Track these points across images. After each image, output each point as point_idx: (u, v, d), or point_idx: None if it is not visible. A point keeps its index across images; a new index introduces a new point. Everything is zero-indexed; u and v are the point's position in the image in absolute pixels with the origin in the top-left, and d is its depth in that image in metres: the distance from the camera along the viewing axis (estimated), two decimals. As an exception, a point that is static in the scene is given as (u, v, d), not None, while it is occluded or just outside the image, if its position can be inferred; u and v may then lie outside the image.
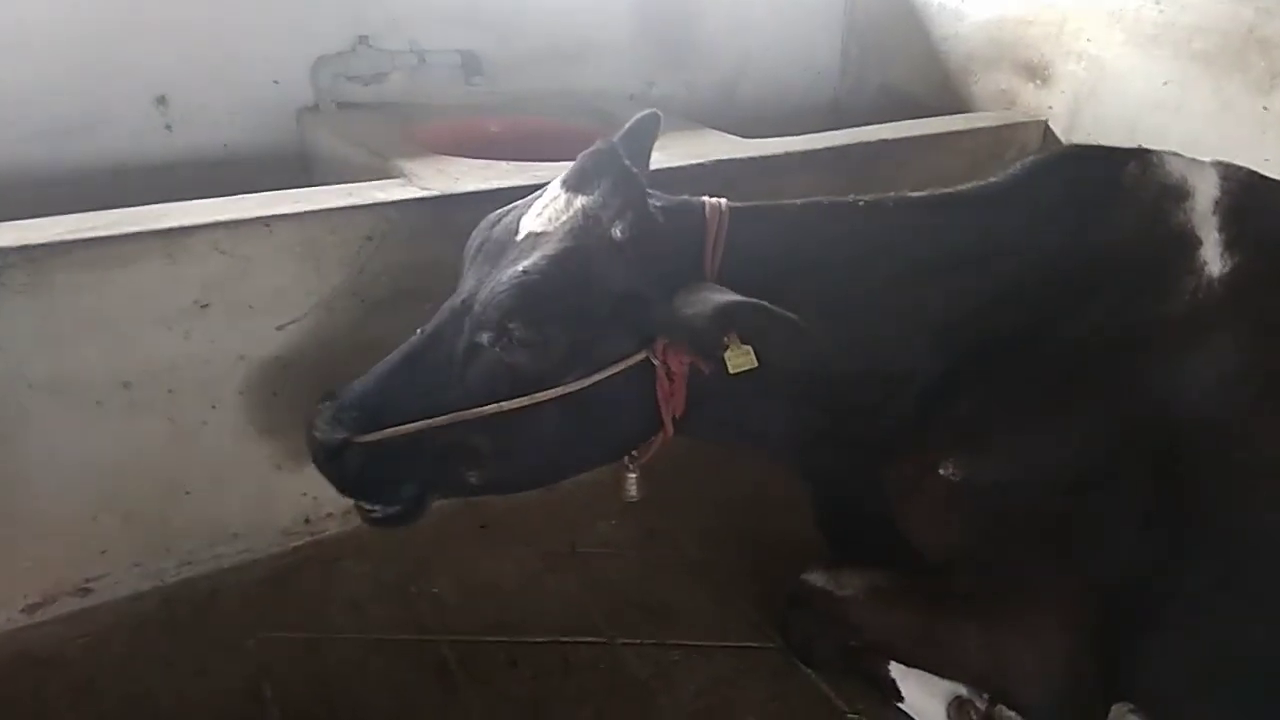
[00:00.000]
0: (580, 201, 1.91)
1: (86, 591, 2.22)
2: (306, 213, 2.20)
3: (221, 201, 2.20)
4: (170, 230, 2.05)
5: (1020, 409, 2.04)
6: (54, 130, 2.87)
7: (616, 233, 1.86)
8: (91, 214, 2.07)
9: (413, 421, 1.84)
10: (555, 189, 1.97)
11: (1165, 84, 3.29)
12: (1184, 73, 3.22)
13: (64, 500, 2.12)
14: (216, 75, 3.06)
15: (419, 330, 1.93)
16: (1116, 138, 3.42)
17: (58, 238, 1.95)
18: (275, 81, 3.16)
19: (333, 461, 1.87)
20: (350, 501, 2.44)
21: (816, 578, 2.18)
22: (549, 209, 1.93)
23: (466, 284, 1.94)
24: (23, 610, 2.15)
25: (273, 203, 2.22)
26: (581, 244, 1.85)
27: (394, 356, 1.91)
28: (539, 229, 1.90)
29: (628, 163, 1.94)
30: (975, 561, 2.02)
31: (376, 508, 1.99)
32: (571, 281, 1.82)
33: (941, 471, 2.05)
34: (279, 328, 2.24)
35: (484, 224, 2.03)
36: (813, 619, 2.18)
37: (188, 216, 2.10)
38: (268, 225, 2.16)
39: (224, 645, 2.17)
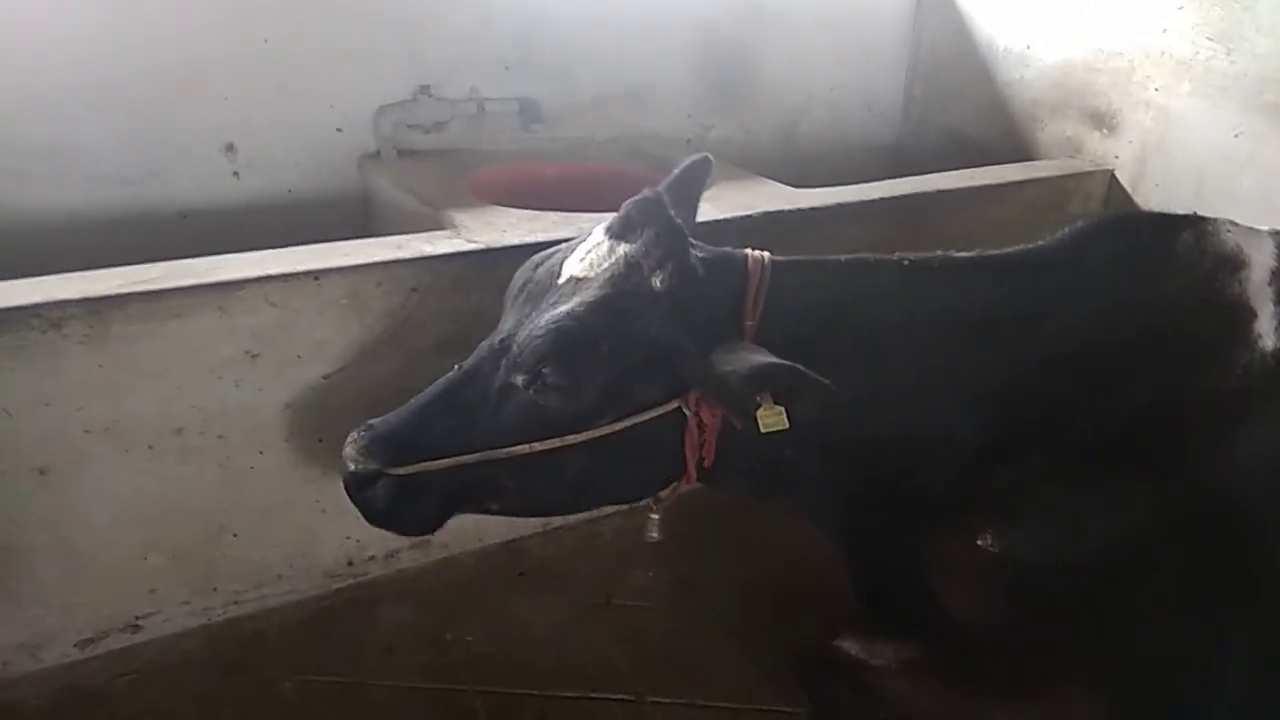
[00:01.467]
0: (623, 249, 1.92)
1: (136, 628, 2.30)
2: (354, 266, 2.27)
3: (273, 254, 2.28)
4: (223, 284, 2.13)
5: (1063, 481, 1.98)
6: (126, 177, 3.02)
7: (657, 283, 1.87)
8: (148, 265, 2.16)
9: (445, 457, 1.86)
10: (599, 235, 1.98)
11: (1235, 136, 3.19)
12: (1254, 125, 3.12)
13: (117, 540, 2.21)
14: (282, 123, 3.18)
15: (456, 366, 1.96)
16: (1185, 189, 3.37)
17: (116, 290, 2.04)
18: (339, 129, 3.26)
19: (363, 491, 1.89)
20: (391, 544, 2.55)
21: (849, 644, 2.15)
22: (592, 255, 1.94)
23: (506, 324, 1.97)
24: (75, 645, 2.25)
25: (322, 256, 2.29)
26: (621, 292, 1.86)
27: (430, 391, 1.93)
28: (581, 274, 1.92)
29: (672, 213, 1.95)
30: (1010, 637, 1.97)
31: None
32: (609, 329, 1.83)
33: (980, 542, 2.01)
34: (325, 377, 2.31)
35: (528, 264, 2.06)
36: (842, 686, 2.15)
37: (240, 270, 2.18)
38: (316, 279, 2.23)
39: (264, 686, 2.24)
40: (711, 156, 2.25)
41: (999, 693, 1.93)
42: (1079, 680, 1.86)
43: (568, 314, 1.83)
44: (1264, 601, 1.76)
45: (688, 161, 2.21)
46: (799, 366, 1.74)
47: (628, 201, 1.99)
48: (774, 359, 1.77)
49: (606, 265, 1.91)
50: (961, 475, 2.08)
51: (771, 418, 1.82)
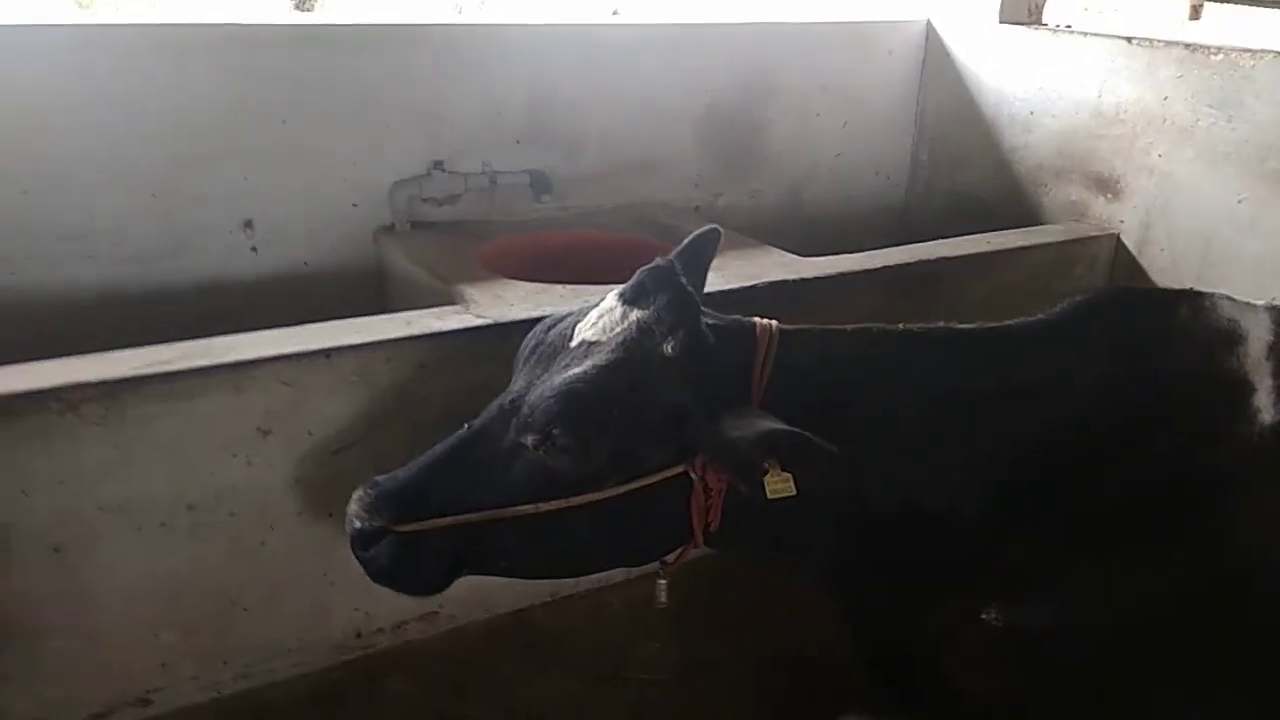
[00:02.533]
0: (635, 315, 1.96)
1: (147, 703, 2.32)
2: (365, 344, 2.32)
3: (286, 333, 2.33)
4: (237, 364, 2.19)
5: (1067, 556, 1.99)
6: (147, 255, 3.10)
7: (668, 349, 1.91)
8: (164, 346, 2.22)
9: (451, 514, 1.88)
10: (612, 301, 2.02)
11: (1239, 201, 3.22)
12: (1257, 191, 3.15)
13: (128, 615, 2.24)
14: (299, 200, 3.27)
15: (466, 425, 1.99)
16: (1191, 253, 3.40)
17: (133, 372, 2.10)
18: (354, 204, 3.35)
19: (368, 549, 1.91)
20: (400, 617, 2.56)
21: (855, 720, 2.15)
22: (604, 319, 1.98)
23: (516, 384, 2.00)
24: (86, 719, 2.27)
25: (334, 334, 2.34)
26: (632, 357, 1.90)
27: (438, 450, 1.96)
28: (593, 338, 1.96)
29: (684, 280, 1.99)
30: (1016, 713, 1.96)
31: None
32: (618, 393, 1.86)
33: (984, 616, 2.01)
34: (334, 452, 2.35)
35: (540, 326, 2.10)
36: (850, 763, 2.14)
37: (254, 349, 2.24)
38: (328, 357, 2.28)
39: (270, 762, 2.24)
40: (720, 228, 2.30)
41: (1005, 770, 1.92)
42: (1087, 759, 1.85)
43: (580, 377, 1.87)
44: (1272, 682, 1.75)
45: (697, 232, 2.26)
46: (806, 433, 1.77)
47: (641, 269, 2.03)
48: (781, 425, 1.79)
49: (619, 330, 1.95)
50: (965, 548, 2.08)
51: (778, 484, 1.84)
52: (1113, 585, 1.92)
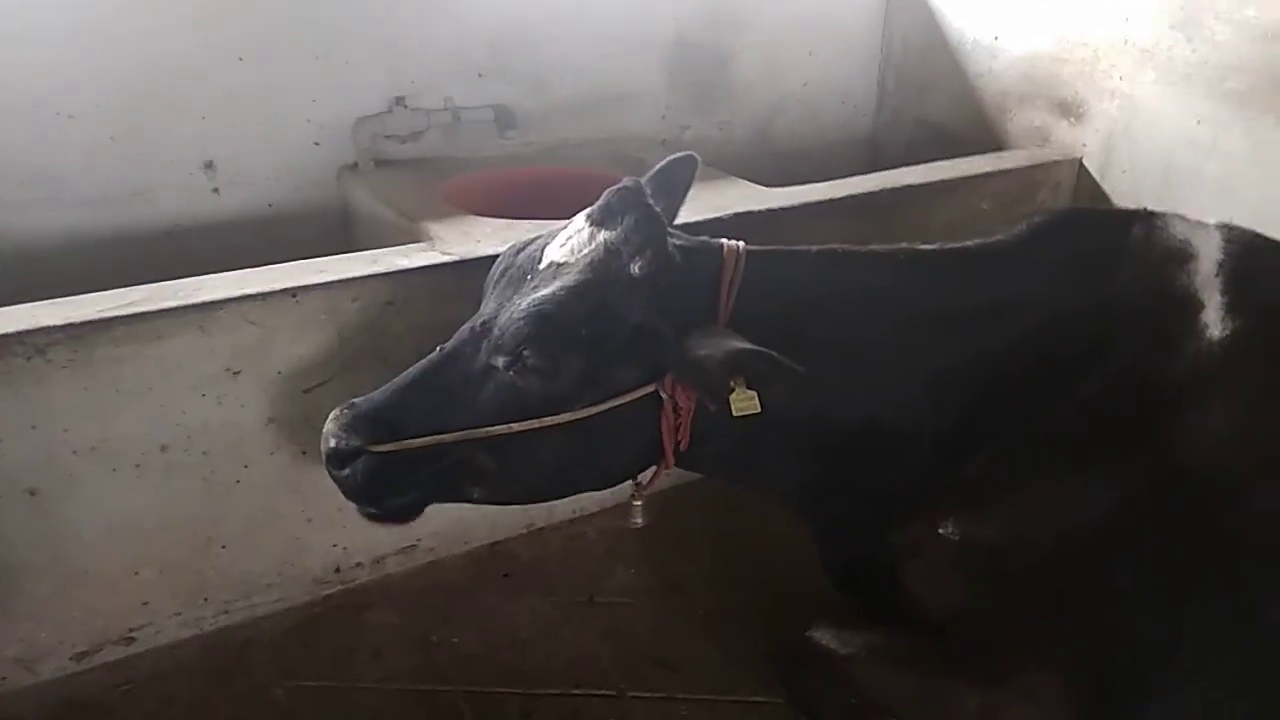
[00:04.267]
0: (602, 236, 1.98)
1: (130, 640, 2.37)
2: (331, 282, 2.33)
3: (251, 273, 2.33)
4: (203, 304, 2.19)
5: (1022, 470, 2.05)
6: (108, 198, 3.07)
7: (635, 269, 1.94)
8: (130, 289, 2.22)
9: (425, 436, 1.92)
10: (580, 222, 2.05)
11: (1198, 123, 3.24)
12: (1216, 113, 3.18)
13: (108, 555, 2.27)
14: (260, 139, 3.23)
15: (439, 348, 2.02)
16: (1152, 176, 3.43)
17: (98, 315, 2.10)
18: (316, 143, 3.31)
19: (344, 467, 1.94)
20: (378, 551, 2.61)
21: (821, 635, 2.21)
22: (572, 241, 2.01)
23: (487, 307, 2.03)
24: (71, 658, 2.31)
25: (299, 273, 2.35)
26: (600, 277, 1.93)
27: (412, 372, 1.99)
28: (561, 259, 1.98)
29: (650, 201, 2.02)
30: (976, 623, 2.03)
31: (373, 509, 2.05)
32: (587, 313, 1.90)
33: (942, 531, 2.07)
34: (305, 391, 2.36)
35: (509, 249, 2.12)
36: (817, 676, 2.21)
37: (219, 290, 2.24)
38: (294, 296, 2.28)
39: (256, 693, 2.29)
40: (697, 155, 2.31)
41: (967, 679, 1.99)
42: (1045, 666, 1.92)
43: (548, 298, 1.90)
44: (1219, 586, 1.82)
45: (671, 157, 2.27)
46: (771, 352, 1.82)
47: (608, 190, 2.05)
48: (748, 344, 1.84)
49: (586, 251, 1.97)
50: (924, 464, 2.15)
51: (744, 401, 1.89)
52: (1066, 499, 1.99)
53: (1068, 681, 1.90)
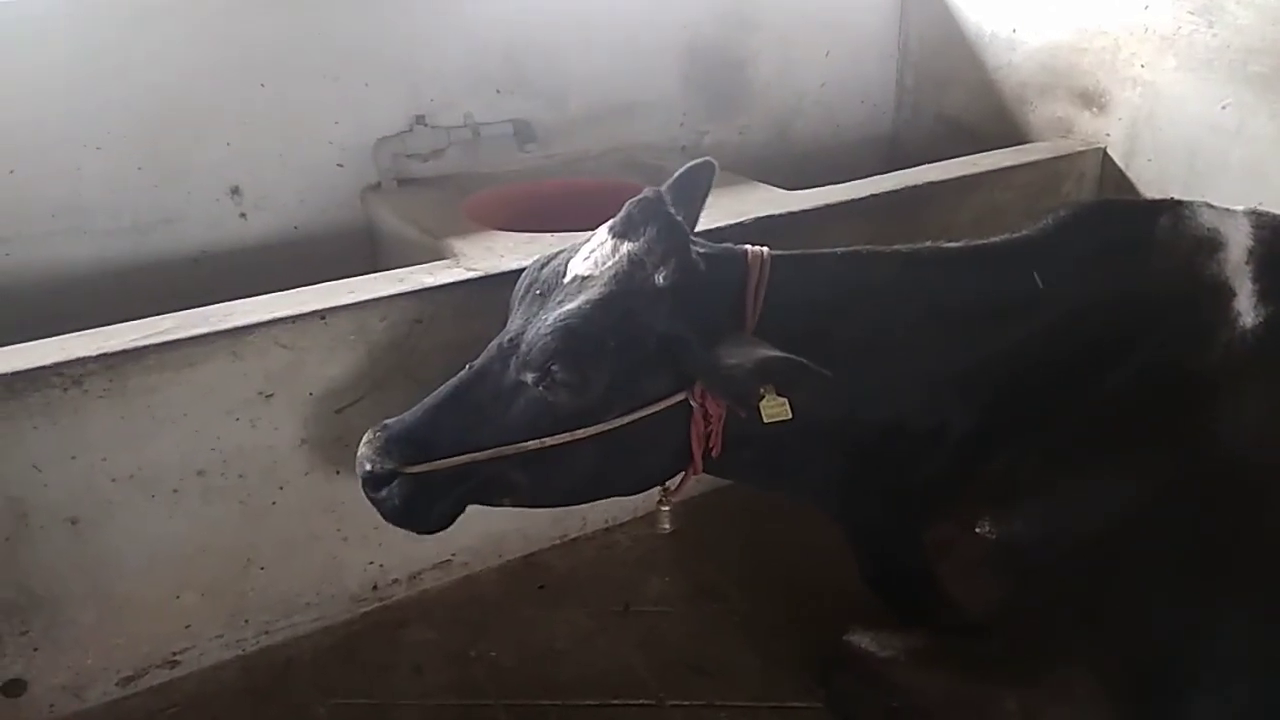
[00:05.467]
0: (625, 248, 1.99)
1: (174, 664, 2.40)
2: (358, 303, 2.35)
3: (280, 297, 2.36)
4: (234, 329, 2.22)
5: (1055, 467, 2.03)
6: (136, 227, 3.12)
7: (659, 279, 1.94)
8: (162, 317, 2.25)
9: (458, 454, 1.93)
10: (603, 234, 2.06)
11: (1223, 108, 3.20)
12: (1240, 96, 3.14)
13: (149, 580, 2.31)
14: (284, 163, 3.27)
15: (468, 366, 2.03)
16: (1178, 163, 3.39)
17: (132, 344, 2.13)
18: (339, 164, 3.35)
19: (379, 491, 1.96)
20: (414, 567, 2.62)
21: (859, 638, 2.21)
22: (596, 254, 2.02)
23: (514, 323, 2.04)
24: (117, 684, 2.34)
25: (328, 295, 2.37)
26: (625, 289, 1.93)
27: (442, 391, 2.00)
28: (585, 273, 1.99)
29: (672, 210, 2.02)
30: (1013, 622, 2.02)
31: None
32: (613, 326, 1.90)
33: (977, 529, 2.06)
34: (337, 411, 2.39)
35: (533, 265, 2.14)
36: (855, 679, 2.20)
37: (249, 315, 2.26)
38: (323, 318, 2.31)
39: (298, 711, 2.31)
40: (714, 160, 2.31)
41: (1004, 678, 1.98)
42: (1082, 665, 1.91)
43: (574, 312, 1.91)
44: (1258, 580, 1.80)
45: (689, 164, 2.27)
46: (800, 359, 1.81)
47: (629, 201, 2.06)
48: (776, 352, 1.84)
49: (610, 263, 1.98)
50: (957, 463, 2.14)
51: (774, 408, 1.89)
52: (1099, 494, 1.97)
53: (1105, 680, 1.88)
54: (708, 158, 2.30)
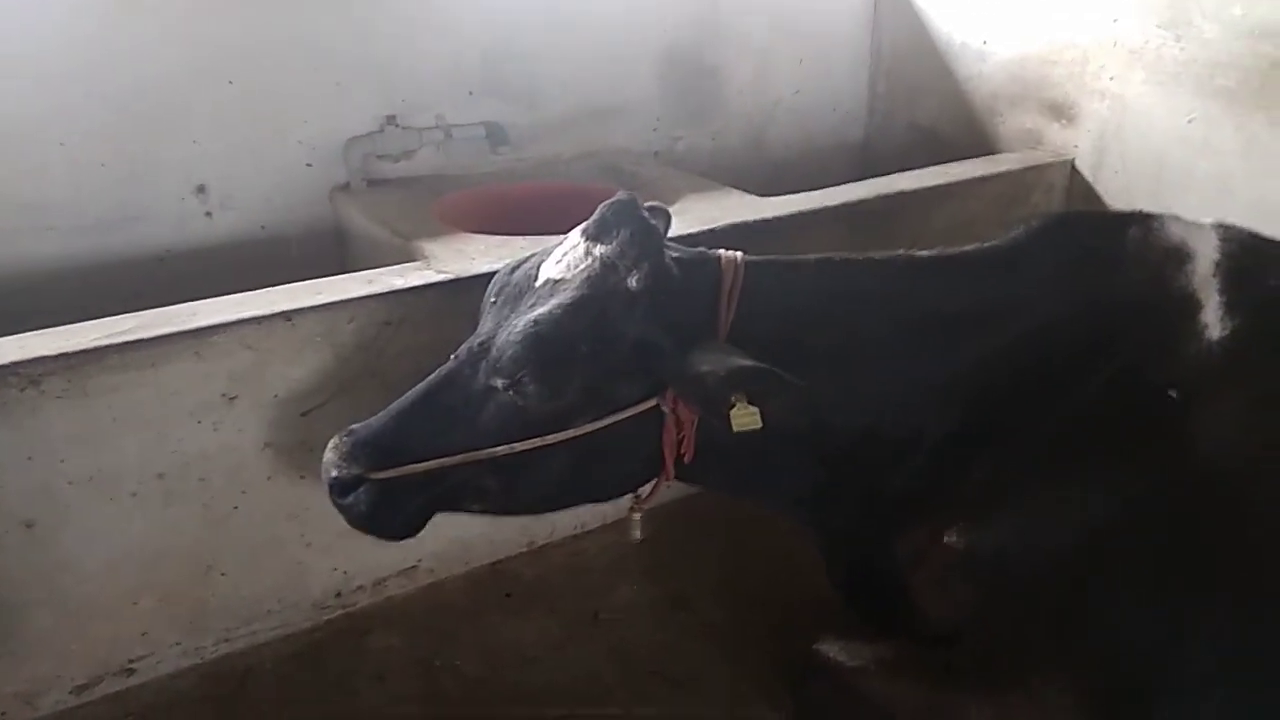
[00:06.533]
0: (598, 250, 1.96)
1: (130, 671, 2.34)
2: (326, 305, 2.31)
3: (246, 297, 2.32)
4: (198, 330, 2.18)
5: (1024, 477, 2.03)
6: (100, 225, 3.06)
7: (632, 283, 1.91)
8: (124, 316, 2.20)
9: (426, 459, 1.89)
10: (575, 237, 2.03)
11: (1190, 121, 3.24)
12: (1207, 110, 3.18)
13: (106, 586, 2.25)
14: (252, 161, 3.22)
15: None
16: (1145, 176, 3.43)
17: (93, 344, 2.08)
18: (308, 164, 3.31)
19: (346, 497, 1.91)
20: (379, 573, 2.58)
21: (828, 648, 2.20)
22: (568, 257, 1.99)
23: (484, 326, 2.01)
24: (71, 692, 2.28)
25: (294, 296, 2.33)
26: (597, 293, 1.91)
27: (410, 395, 1.97)
28: (557, 276, 1.96)
29: (646, 214, 2.01)
30: (983, 632, 2.02)
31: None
32: (585, 330, 1.88)
33: (947, 539, 2.06)
34: (303, 414, 2.35)
35: (505, 268, 2.11)
36: (825, 689, 2.19)
37: (214, 315, 2.22)
38: (289, 319, 2.27)
39: (259, 720, 2.27)
40: (668, 209, 2.28)
41: (975, 688, 1.97)
42: (1054, 675, 1.90)
43: (545, 317, 1.88)
44: (1231, 591, 1.81)
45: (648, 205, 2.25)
46: (773, 369, 1.80)
47: (603, 204, 2.04)
48: (749, 361, 1.82)
49: (583, 267, 1.96)
50: (930, 472, 2.13)
51: (745, 418, 1.87)
52: (1070, 504, 1.97)
53: (1077, 690, 1.88)
54: (662, 206, 2.26)
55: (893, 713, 2.09)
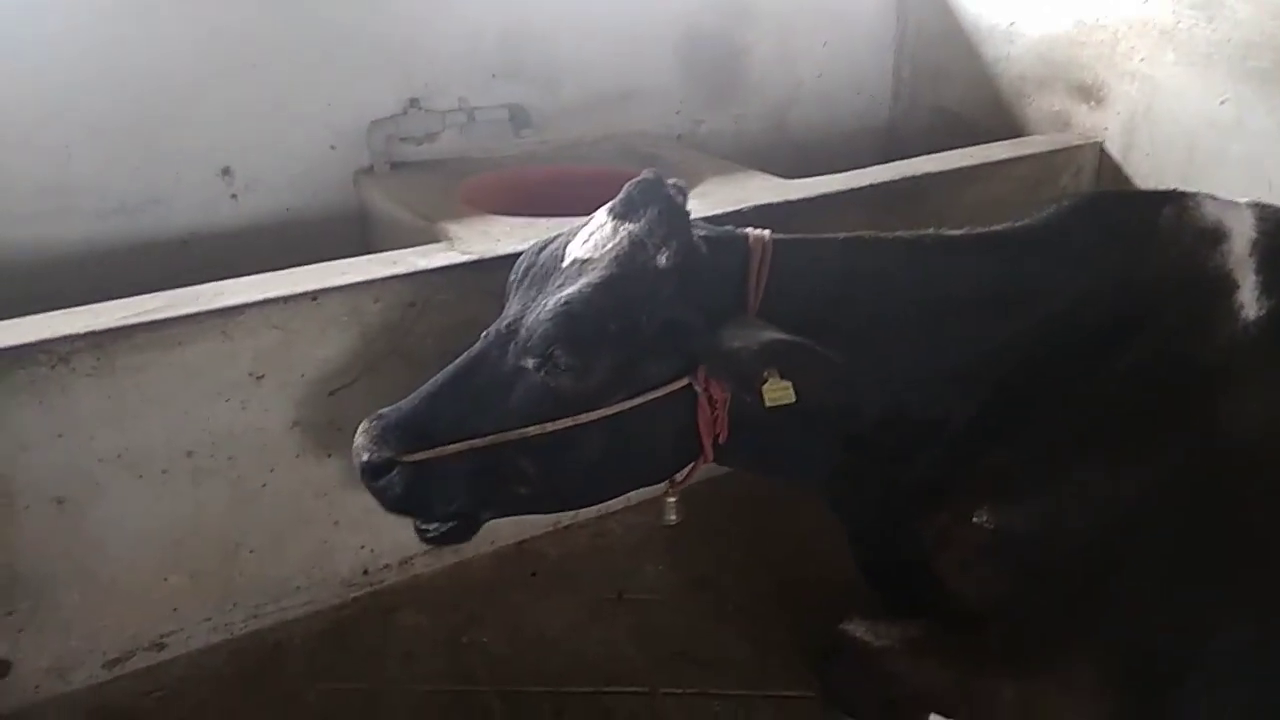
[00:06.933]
0: (626, 229, 1.95)
1: (161, 647, 2.37)
2: (352, 285, 2.32)
3: (272, 277, 2.33)
4: (224, 309, 2.19)
5: (1055, 457, 2.01)
6: (126, 207, 3.08)
7: (662, 261, 1.90)
8: (151, 295, 2.22)
9: (458, 441, 1.88)
10: (602, 216, 2.02)
11: (1222, 103, 3.20)
12: (1239, 92, 3.13)
13: (136, 563, 2.27)
14: (277, 144, 3.23)
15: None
16: (1175, 158, 3.39)
17: (120, 322, 2.10)
18: (332, 147, 3.32)
19: (378, 479, 1.90)
20: (406, 552, 2.60)
21: (854, 627, 2.19)
22: (595, 236, 1.98)
23: (512, 308, 2.00)
24: (103, 666, 2.31)
25: (321, 276, 2.34)
26: (626, 272, 1.89)
27: (439, 378, 1.95)
28: (585, 255, 1.95)
29: (673, 192, 1.99)
30: (1011, 613, 2.00)
31: (431, 527, 2.02)
32: (615, 309, 1.86)
33: (975, 520, 2.04)
34: (330, 393, 2.36)
35: (530, 249, 2.10)
36: (851, 669, 2.19)
37: (240, 294, 2.23)
38: (315, 299, 2.28)
39: (287, 697, 2.29)
40: (684, 185, 2.26)
41: (1002, 669, 1.96)
42: (1081, 656, 1.89)
43: (575, 296, 1.87)
44: (1258, 572, 1.79)
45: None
46: (808, 342, 1.79)
47: (629, 183, 2.02)
48: (783, 334, 1.81)
49: (611, 245, 1.94)
50: (958, 453, 2.11)
51: (777, 392, 1.86)
52: (1100, 485, 1.95)
53: (1105, 671, 1.87)
54: (680, 182, 2.24)
55: (920, 693, 2.08)
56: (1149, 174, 3.46)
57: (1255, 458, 1.84)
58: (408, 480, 1.90)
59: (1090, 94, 3.64)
